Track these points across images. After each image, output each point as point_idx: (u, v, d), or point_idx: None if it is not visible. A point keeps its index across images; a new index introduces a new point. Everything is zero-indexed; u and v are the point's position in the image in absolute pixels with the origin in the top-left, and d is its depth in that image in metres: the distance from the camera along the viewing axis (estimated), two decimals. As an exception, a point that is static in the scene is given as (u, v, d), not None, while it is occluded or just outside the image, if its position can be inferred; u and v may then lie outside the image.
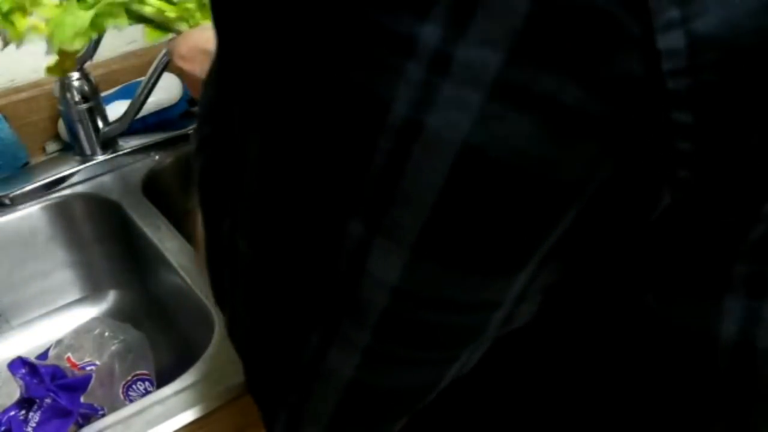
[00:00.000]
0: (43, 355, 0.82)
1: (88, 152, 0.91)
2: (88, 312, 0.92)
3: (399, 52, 0.23)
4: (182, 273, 0.75)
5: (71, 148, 0.92)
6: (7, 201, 0.86)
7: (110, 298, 0.94)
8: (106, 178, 0.90)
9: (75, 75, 0.86)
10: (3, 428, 0.74)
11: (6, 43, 0.72)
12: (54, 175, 0.89)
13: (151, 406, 0.58)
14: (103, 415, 0.71)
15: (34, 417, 0.73)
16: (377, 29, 0.23)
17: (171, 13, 0.68)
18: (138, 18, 0.68)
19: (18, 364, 0.75)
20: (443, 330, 0.29)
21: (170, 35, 0.69)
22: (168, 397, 0.58)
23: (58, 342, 0.82)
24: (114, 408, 0.72)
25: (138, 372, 0.79)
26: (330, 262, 0.28)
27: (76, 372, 0.77)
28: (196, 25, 0.68)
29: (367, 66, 0.24)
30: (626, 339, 0.31)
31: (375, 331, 0.29)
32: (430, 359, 0.31)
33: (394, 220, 0.26)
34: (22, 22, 0.70)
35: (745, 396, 0.30)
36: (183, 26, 0.68)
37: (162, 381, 0.77)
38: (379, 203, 0.26)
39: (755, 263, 0.27)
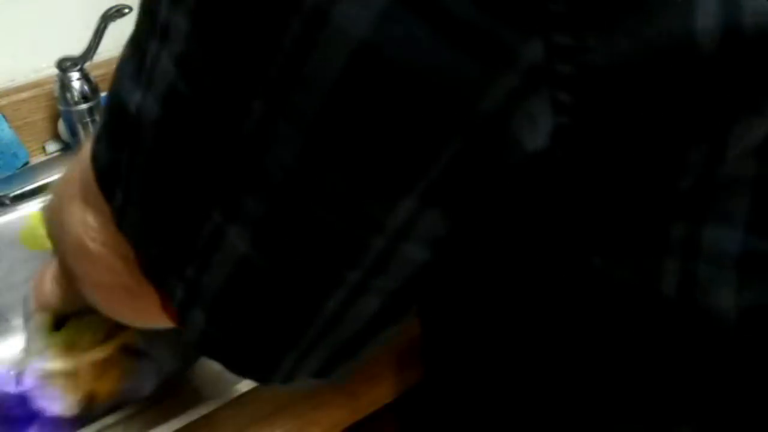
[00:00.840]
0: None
1: (88, 152, 0.91)
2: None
3: None
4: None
5: (71, 148, 0.92)
6: (7, 201, 0.86)
7: (110, 298, 0.94)
8: (106, 178, 0.90)
9: (75, 75, 0.86)
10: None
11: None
12: (54, 175, 0.89)
13: (151, 406, 0.58)
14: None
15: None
16: None
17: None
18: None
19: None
20: (326, 232, 0.29)
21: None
22: (168, 397, 0.58)
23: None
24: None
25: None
26: (234, 138, 0.28)
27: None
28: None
29: None
30: (579, 302, 0.32)
31: (270, 209, 0.29)
32: (315, 265, 0.31)
33: (294, 104, 0.27)
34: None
35: (689, 353, 0.30)
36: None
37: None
38: (283, 85, 0.26)
39: (690, 223, 0.27)
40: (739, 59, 0.24)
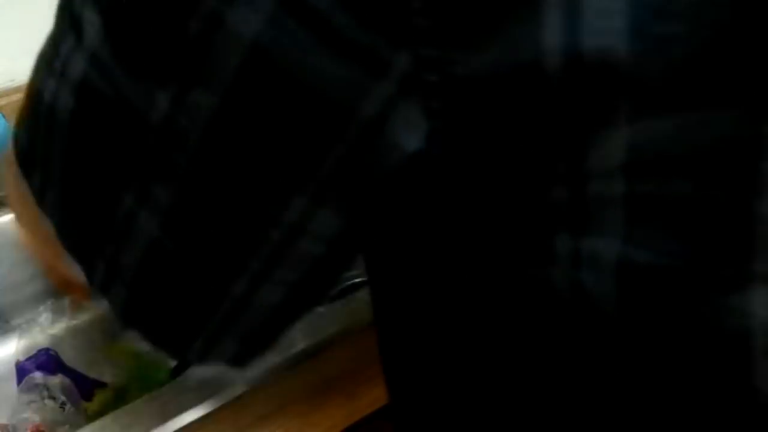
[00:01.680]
0: (36, 360, 0.82)
1: (88, 152, 0.91)
2: (89, 312, 0.92)
3: None
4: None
5: (71, 148, 0.92)
6: (7, 201, 0.86)
7: (110, 298, 0.94)
8: (106, 178, 0.90)
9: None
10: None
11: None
12: (54, 175, 0.89)
13: (151, 406, 0.58)
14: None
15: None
16: None
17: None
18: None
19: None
20: (228, 222, 0.31)
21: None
22: (168, 397, 0.58)
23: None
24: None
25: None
26: (142, 130, 0.30)
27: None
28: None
29: None
30: (485, 305, 0.33)
31: (175, 197, 0.31)
32: (219, 251, 0.32)
33: (194, 101, 0.28)
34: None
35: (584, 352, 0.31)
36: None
37: (162, 381, 0.77)
38: (184, 82, 0.28)
39: (572, 235, 0.28)
40: (582, 80, 0.25)
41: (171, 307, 0.36)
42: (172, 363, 0.79)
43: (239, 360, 0.39)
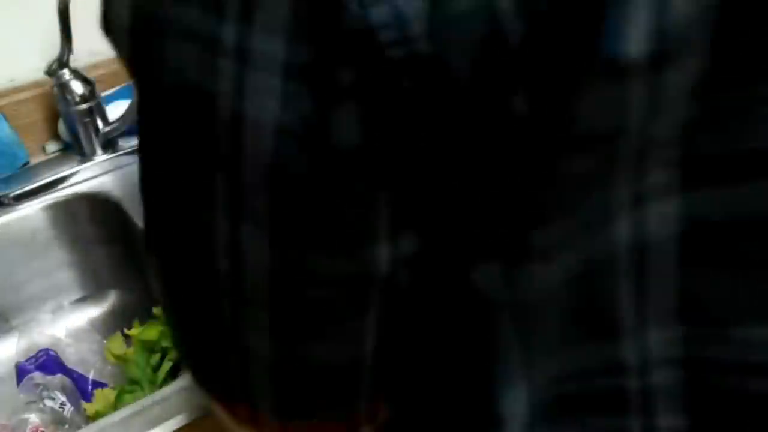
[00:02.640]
0: (36, 360, 0.82)
1: (88, 152, 0.91)
2: (89, 312, 0.93)
3: (211, 51, 0.26)
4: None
5: (71, 148, 0.92)
6: (7, 201, 0.86)
7: (111, 298, 0.94)
8: (106, 178, 0.90)
9: (66, 74, 0.86)
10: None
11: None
12: (54, 175, 0.89)
13: (150, 406, 0.58)
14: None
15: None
16: (192, 32, 0.27)
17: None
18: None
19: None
20: (331, 302, 0.31)
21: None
22: (168, 397, 0.58)
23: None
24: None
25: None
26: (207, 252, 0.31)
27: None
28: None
29: (196, 66, 0.27)
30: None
31: (270, 309, 0.31)
32: (338, 329, 0.32)
33: (250, 205, 0.29)
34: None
35: None
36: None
37: (162, 381, 0.77)
38: (234, 191, 0.28)
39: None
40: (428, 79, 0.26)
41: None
42: (172, 363, 0.79)
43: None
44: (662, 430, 0.33)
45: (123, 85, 0.95)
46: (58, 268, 0.91)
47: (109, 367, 0.82)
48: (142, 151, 0.33)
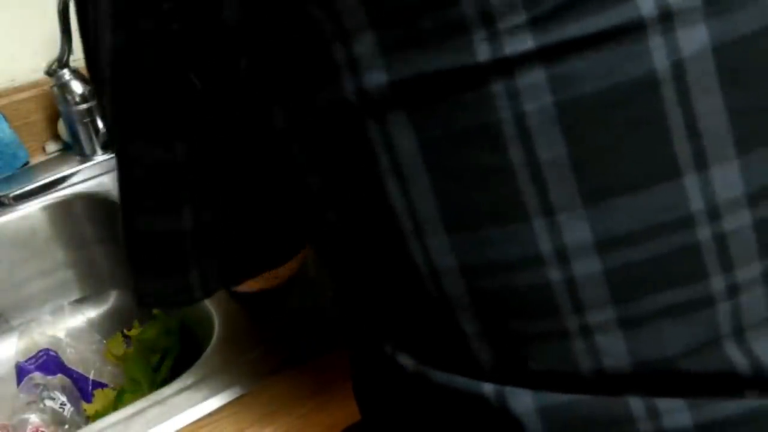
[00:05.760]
0: (36, 360, 0.82)
1: (88, 152, 0.91)
2: (89, 312, 0.93)
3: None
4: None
5: (71, 148, 0.92)
6: (7, 201, 0.86)
7: (111, 298, 0.94)
8: (106, 178, 0.90)
9: (66, 74, 0.86)
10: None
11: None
12: (54, 175, 0.89)
13: (151, 406, 0.58)
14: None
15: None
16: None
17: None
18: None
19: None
20: (151, 182, 0.42)
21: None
22: (168, 397, 0.58)
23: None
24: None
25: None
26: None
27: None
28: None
29: None
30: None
31: (121, 186, 0.44)
32: (161, 205, 0.43)
33: (104, 102, 0.42)
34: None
35: None
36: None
37: (162, 381, 0.77)
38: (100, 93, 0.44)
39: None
40: None
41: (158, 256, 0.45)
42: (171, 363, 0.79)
43: (230, 278, 0.48)
44: (743, 284, 0.33)
45: (123, 85, 0.95)
46: (58, 268, 0.91)
47: (109, 367, 0.82)
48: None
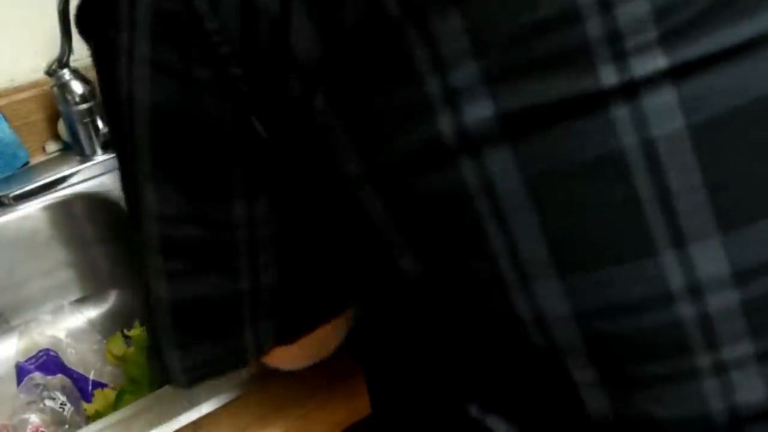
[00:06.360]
0: (36, 360, 0.82)
1: (88, 152, 0.91)
2: (89, 312, 0.93)
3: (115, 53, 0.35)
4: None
5: (71, 148, 0.92)
6: (7, 201, 0.86)
7: (111, 298, 0.94)
8: (106, 178, 0.90)
9: (66, 74, 0.86)
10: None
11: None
12: (54, 175, 0.89)
13: (150, 406, 0.58)
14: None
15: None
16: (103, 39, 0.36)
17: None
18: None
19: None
20: (206, 243, 0.38)
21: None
22: (167, 397, 0.58)
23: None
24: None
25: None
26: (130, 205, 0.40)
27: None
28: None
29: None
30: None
31: (162, 253, 0.39)
32: (216, 267, 0.39)
33: (137, 165, 0.36)
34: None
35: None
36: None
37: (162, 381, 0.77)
38: (126, 154, 0.38)
39: None
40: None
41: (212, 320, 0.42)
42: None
43: (286, 336, 0.44)
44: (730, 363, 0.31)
45: (123, 85, 0.95)
46: (58, 268, 0.91)
47: (109, 368, 0.82)
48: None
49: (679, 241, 0.29)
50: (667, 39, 0.28)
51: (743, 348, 0.30)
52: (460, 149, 0.29)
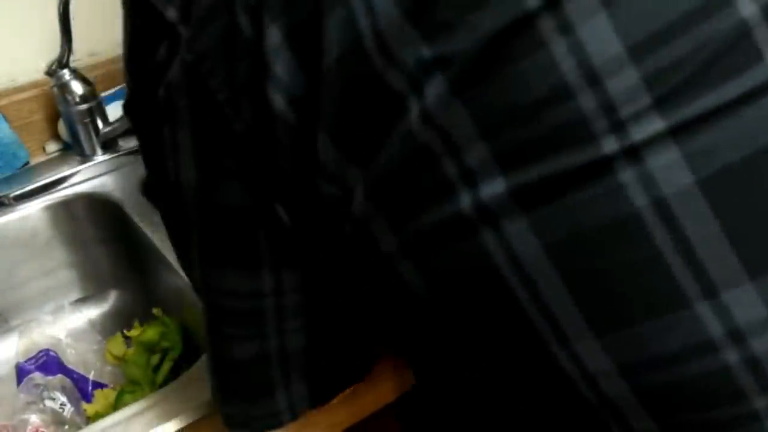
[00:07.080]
0: (36, 361, 0.82)
1: (88, 152, 0.91)
2: (89, 312, 0.92)
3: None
4: (182, 273, 0.74)
5: (71, 148, 0.92)
6: (7, 201, 0.86)
7: (110, 298, 0.94)
8: (106, 178, 0.90)
9: (66, 74, 0.86)
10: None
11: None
12: (54, 175, 0.89)
13: (150, 406, 0.58)
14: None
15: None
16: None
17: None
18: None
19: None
20: (239, 311, 0.42)
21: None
22: (168, 398, 0.58)
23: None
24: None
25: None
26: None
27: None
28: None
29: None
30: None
31: (209, 319, 0.44)
32: (248, 335, 0.43)
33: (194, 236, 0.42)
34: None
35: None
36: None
37: (162, 381, 0.77)
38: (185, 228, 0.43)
39: None
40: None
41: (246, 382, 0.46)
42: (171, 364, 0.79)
43: (319, 399, 0.49)
44: None
45: (123, 85, 0.95)
46: (58, 268, 0.91)
47: (109, 368, 0.82)
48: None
49: (710, 291, 0.29)
50: (662, 103, 0.28)
51: None
52: (482, 221, 0.30)
